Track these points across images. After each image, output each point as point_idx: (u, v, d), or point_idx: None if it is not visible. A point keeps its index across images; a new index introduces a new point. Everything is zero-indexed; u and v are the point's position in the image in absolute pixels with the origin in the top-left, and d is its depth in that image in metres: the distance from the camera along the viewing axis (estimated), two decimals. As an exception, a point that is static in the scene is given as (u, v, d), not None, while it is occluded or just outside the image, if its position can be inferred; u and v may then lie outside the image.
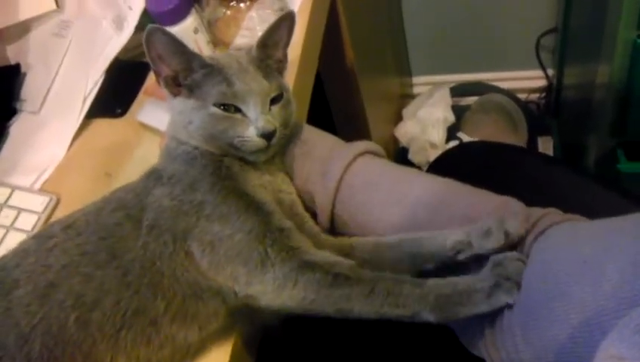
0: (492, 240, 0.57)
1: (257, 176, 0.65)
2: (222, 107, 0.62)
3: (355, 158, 0.67)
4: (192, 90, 0.64)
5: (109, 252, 0.57)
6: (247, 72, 0.64)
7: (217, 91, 0.62)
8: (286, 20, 0.67)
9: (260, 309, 0.58)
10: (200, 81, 0.63)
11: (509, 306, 0.54)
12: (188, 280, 0.58)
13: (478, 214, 0.60)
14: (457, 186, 0.65)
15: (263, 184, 0.64)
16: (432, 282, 0.55)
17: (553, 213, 0.59)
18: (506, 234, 0.57)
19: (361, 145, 0.69)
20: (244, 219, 0.58)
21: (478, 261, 0.58)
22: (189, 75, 0.63)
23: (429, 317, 0.54)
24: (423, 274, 0.60)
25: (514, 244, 0.58)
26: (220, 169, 0.62)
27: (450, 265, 0.59)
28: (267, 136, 0.62)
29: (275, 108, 0.64)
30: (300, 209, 0.67)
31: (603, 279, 0.47)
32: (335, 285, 0.55)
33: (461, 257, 0.58)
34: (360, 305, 0.55)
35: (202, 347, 0.60)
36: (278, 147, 0.65)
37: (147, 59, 0.63)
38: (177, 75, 0.64)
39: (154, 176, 0.63)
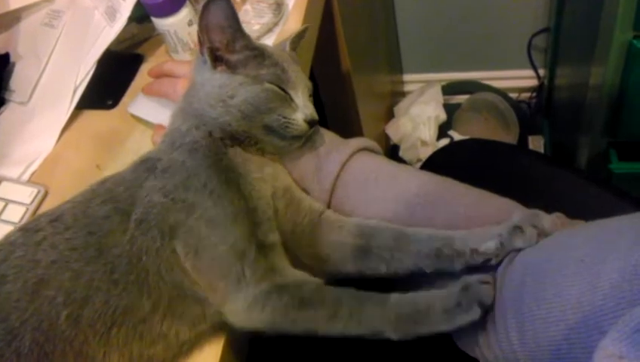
0: (525, 238, 0.57)
1: (258, 168, 0.64)
2: (276, 87, 0.64)
3: (351, 155, 0.67)
4: (236, 67, 0.65)
5: (97, 247, 0.56)
6: (292, 63, 0.68)
7: (272, 73, 0.65)
8: (307, 30, 0.75)
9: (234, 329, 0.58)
10: (246, 61, 0.65)
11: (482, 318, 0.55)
12: (173, 281, 0.57)
13: (477, 214, 0.60)
14: (455, 185, 0.65)
15: (264, 177, 0.64)
16: (394, 300, 0.56)
17: (560, 218, 0.59)
18: (540, 230, 0.57)
19: (357, 141, 0.69)
20: (231, 228, 0.58)
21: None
22: (231, 52, 0.65)
23: (390, 335, 0.55)
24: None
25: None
26: (222, 161, 0.62)
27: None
28: (311, 123, 0.65)
29: (310, 103, 0.67)
30: (297, 193, 0.66)
31: (601, 278, 0.46)
32: (300, 309, 0.56)
33: (492, 263, 0.58)
34: (324, 327, 0.56)
35: (194, 344, 0.60)
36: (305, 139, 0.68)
37: (198, 26, 0.64)
38: (221, 48, 0.64)
39: (147, 165, 0.62)
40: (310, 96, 0.68)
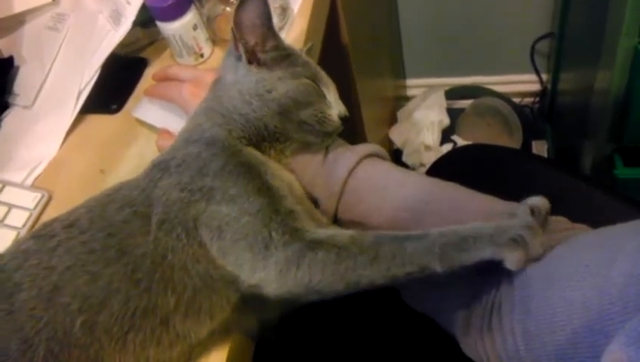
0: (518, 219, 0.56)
1: (275, 168, 0.64)
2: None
3: (359, 162, 0.67)
4: (269, 65, 0.66)
5: (118, 248, 0.55)
6: (317, 66, 0.70)
7: (307, 70, 0.67)
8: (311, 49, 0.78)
9: (269, 298, 0.56)
10: (279, 59, 0.66)
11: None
12: (199, 272, 0.56)
13: (486, 220, 0.59)
14: (463, 191, 0.64)
15: (280, 176, 0.63)
16: (435, 232, 0.54)
17: (562, 222, 0.59)
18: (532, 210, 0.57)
19: (365, 147, 0.68)
20: (253, 199, 0.57)
21: None
22: (266, 51, 0.66)
23: (436, 267, 0.53)
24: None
25: None
26: (239, 157, 0.61)
27: None
28: (345, 120, 0.67)
29: None
30: (307, 203, 0.66)
31: (607, 283, 0.46)
32: (338, 260, 0.54)
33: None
34: (367, 273, 0.54)
35: (203, 348, 0.59)
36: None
37: (233, 25, 0.65)
38: (254, 46, 0.66)
39: (159, 167, 0.61)
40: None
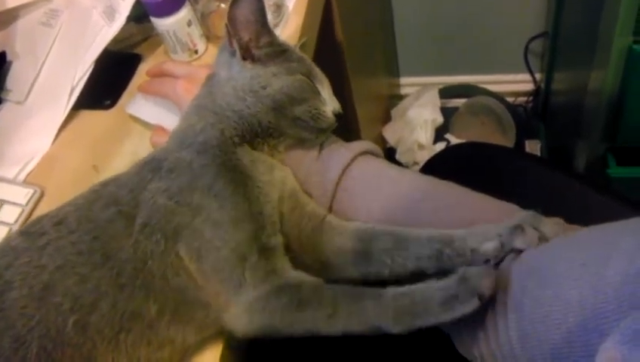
0: (525, 238, 0.56)
1: (268, 170, 0.64)
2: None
3: (353, 159, 0.66)
4: (263, 61, 0.65)
5: (102, 252, 0.55)
6: (312, 62, 0.69)
7: (301, 66, 0.66)
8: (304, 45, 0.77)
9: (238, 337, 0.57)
10: (273, 55, 0.66)
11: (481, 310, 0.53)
12: (178, 286, 0.56)
13: (480, 217, 0.59)
14: (457, 189, 0.64)
15: (272, 180, 0.63)
16: (391, 293, 0.55)
17: (558, 224, 0.59)
18: (541, 233, 0.56)
19: (359, 145, 0.68)
20: (233, 232, 0.57)
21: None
22: (260, 47, 0.66)
23: (390, 329, 0.54)
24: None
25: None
26: (231, 161, 0.61)
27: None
28: (339, 117, 0.67)
29: None
30: (302, 197, 0.66)
31: (602, 282, 0.46)
32: (299, 310, 0.55)
33: (492, 263, 0.57)
34: (325, 327, 0.55)
35: (194, 350, 0.59)
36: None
37: (227, 21, 0.64)
38: (248, 42, 0.65)
39: (151, 166, 0.61)
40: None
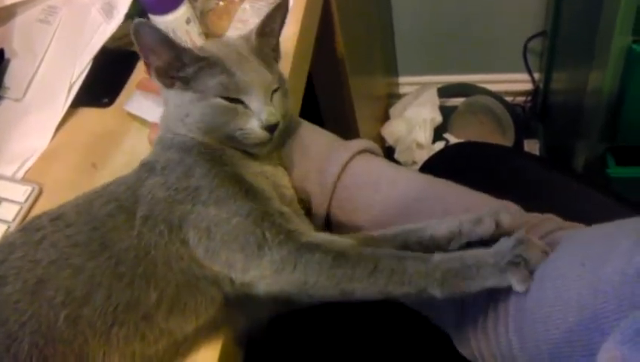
0: (482, 227, 0.55)
1: (258, 165, 0.63)
2: (223, 99, 0.60)
3: (352, 157, 0.66)
4: (187, 83, 0.62)
5: (101, 242, 0.55)
6: (248, 61, 0.63)
7: (217, 83, 0.60)
8: (281, 9, 0.66)
9: (258, 297, 0.56)
10: (195, 74, 0.61)
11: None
12: (182, 269, 0.56)
13: None
14: (455, 188, 0.64)
15: (264, 173, 0.63)
16: (437, 257, 0.53)
17: (553, 221, 0.59)
18: (497, 223, 0.55)
19: (358, 143, 0.68)
20: (242, 202, 0.57)
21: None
22: (181, 68, 0.61)
23: (435, 292, 0.52)
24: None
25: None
26: (220, 157, 0.61)
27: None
28: (270, 128, 0.61)
29: (276, 99, 0.63)
30: (297, 206, 0.65)
31: (602, 281, 0.46)
32: (336, 266, 0.53)
33: (453, 246, 0.56)
34: (363, 285, 0.53)
35: (192, 345, 0.59)
36: (279, 139, 0.64)
37: (137, 51, 0.61)
38: (169, 66, 0.62)
39: (146, 167, 0.61)
40: (278, 89, 0.63)
